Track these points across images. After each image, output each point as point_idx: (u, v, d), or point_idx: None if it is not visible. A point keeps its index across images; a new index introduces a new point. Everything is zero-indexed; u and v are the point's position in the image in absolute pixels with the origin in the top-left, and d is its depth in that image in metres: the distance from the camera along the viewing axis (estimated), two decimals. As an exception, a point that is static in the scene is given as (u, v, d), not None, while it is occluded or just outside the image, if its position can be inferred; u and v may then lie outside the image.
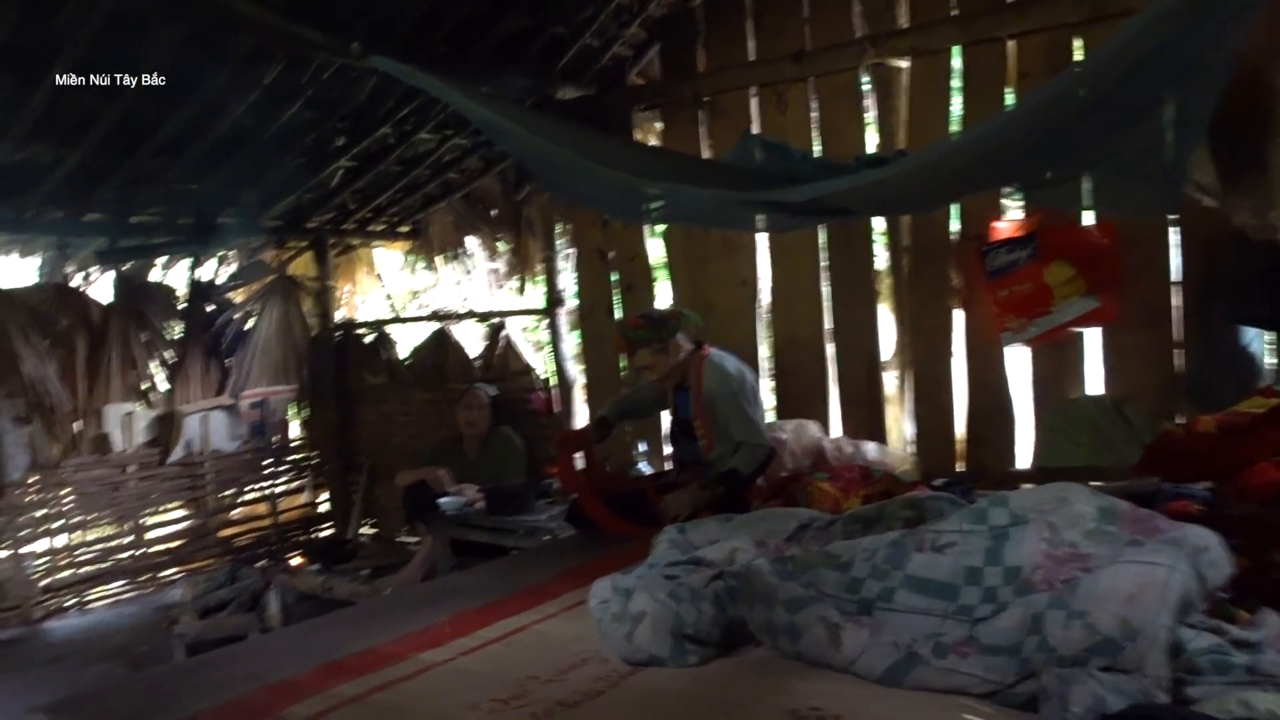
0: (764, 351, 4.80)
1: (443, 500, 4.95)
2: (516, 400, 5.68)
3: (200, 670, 2.41)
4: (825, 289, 4.63)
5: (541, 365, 5.92)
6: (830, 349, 4.64)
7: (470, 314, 6.16)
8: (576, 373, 5.60)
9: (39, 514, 5.21)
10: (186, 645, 4.18)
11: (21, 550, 5.06)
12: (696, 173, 3.43)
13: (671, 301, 5.08)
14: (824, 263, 4.61)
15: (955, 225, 4.29)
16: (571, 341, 5.59)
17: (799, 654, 2.11)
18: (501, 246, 6.80)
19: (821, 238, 4.59)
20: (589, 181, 3.45)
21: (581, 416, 5.52)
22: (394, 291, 7.86)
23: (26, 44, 3.70)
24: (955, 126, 4.20)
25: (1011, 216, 4.17)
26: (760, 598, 2.20)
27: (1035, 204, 3.93)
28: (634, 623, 2.26)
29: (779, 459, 3.94)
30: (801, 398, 4.69)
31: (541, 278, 5.97)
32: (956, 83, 4.22)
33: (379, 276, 7.21)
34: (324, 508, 6.72)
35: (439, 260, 6.96)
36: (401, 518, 6.33)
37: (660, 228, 5.18)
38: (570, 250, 5.58)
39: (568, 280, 5.58)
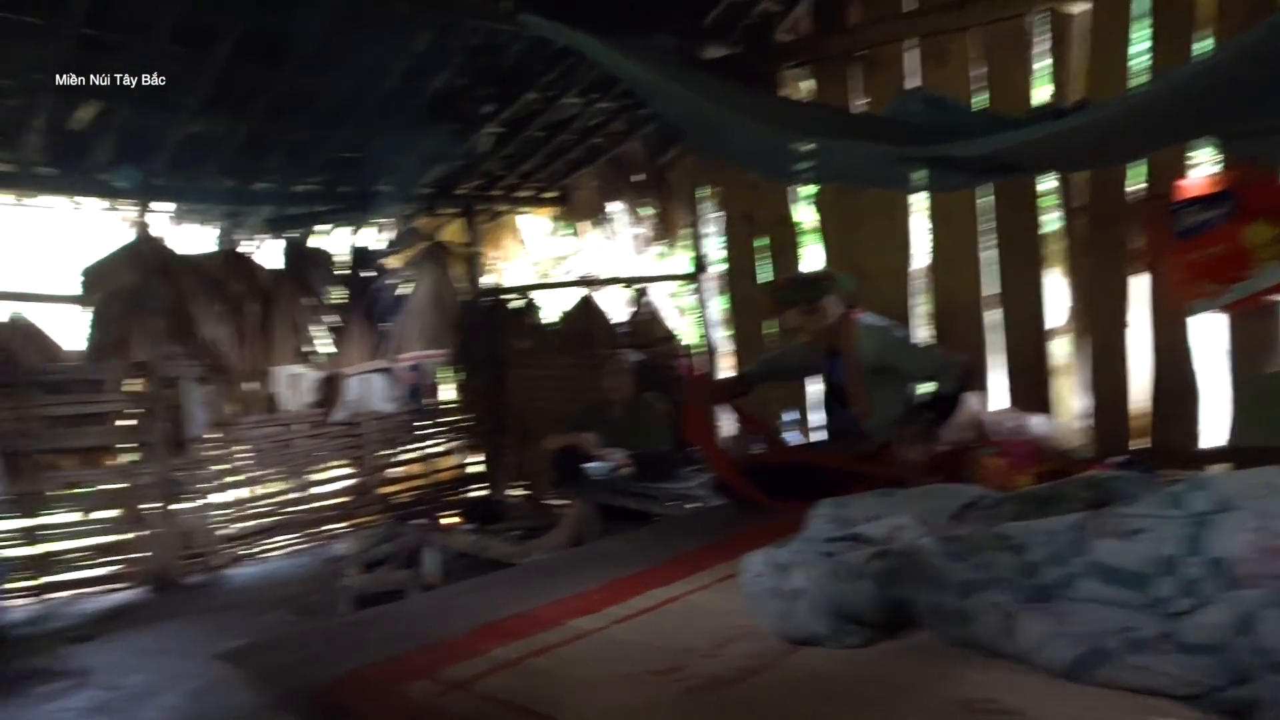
0: (918, 319, 4.58)
1: (590, 465, 5.00)
2: (661, 366, 5.65)
3: (364, 627, 2.50)
4: (987, 253, 4.37)
5: (686, 331, 5.87)
6: (991, 316, 4.40)
7: (615, 279, 6.16)
8: (721, 338, 5.52)
9: (218, 468, 5.56)
10: (352, 597, 4.38)
11: (204, 502, 5.42)
12: (852, 128, 3.26)
13: (822, 266, 4.92)
14: (987, 225, 4.35)
15: (1136, 183, 3.95)
16: (717, 307, 5.51)
17: (969, 641, 1.99)
18: (645, 211, 6.79)
19: (985, 199, 4.33)
20: (738, 139, 3.34)
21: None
22: (540, 258, 7.97)
23: (196, 21, 3.89)
24: (1137, 75, 3.86)
25: (1203, 171, 3.81)
26: (926, 580, 2.09)
27: (1235, 157, 3.56)
28: (792, 600, 2.19)
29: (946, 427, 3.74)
30: (960, 366, 4.47)
31: (686, 242, 5.91)
32: (1138, 31, 3.87)
33: (524, 242, 7.30)
34: (476, 469, 6.92)
35: (584, 226, 7.00)
36: (550, 481, 6.45)
37: (810, 190, 5.02)
38: (716, 214, 5.48)
39: (713, 245, 5.49)
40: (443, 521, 5.85)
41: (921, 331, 4.58)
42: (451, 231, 6.84)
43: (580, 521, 5.14)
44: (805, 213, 5.12)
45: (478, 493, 6.84)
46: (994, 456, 3.19)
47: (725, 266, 5.38)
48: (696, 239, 5.44)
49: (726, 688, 1.92)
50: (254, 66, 4.32)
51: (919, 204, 4.57)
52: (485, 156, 5.89)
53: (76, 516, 5.09)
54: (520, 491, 6.77)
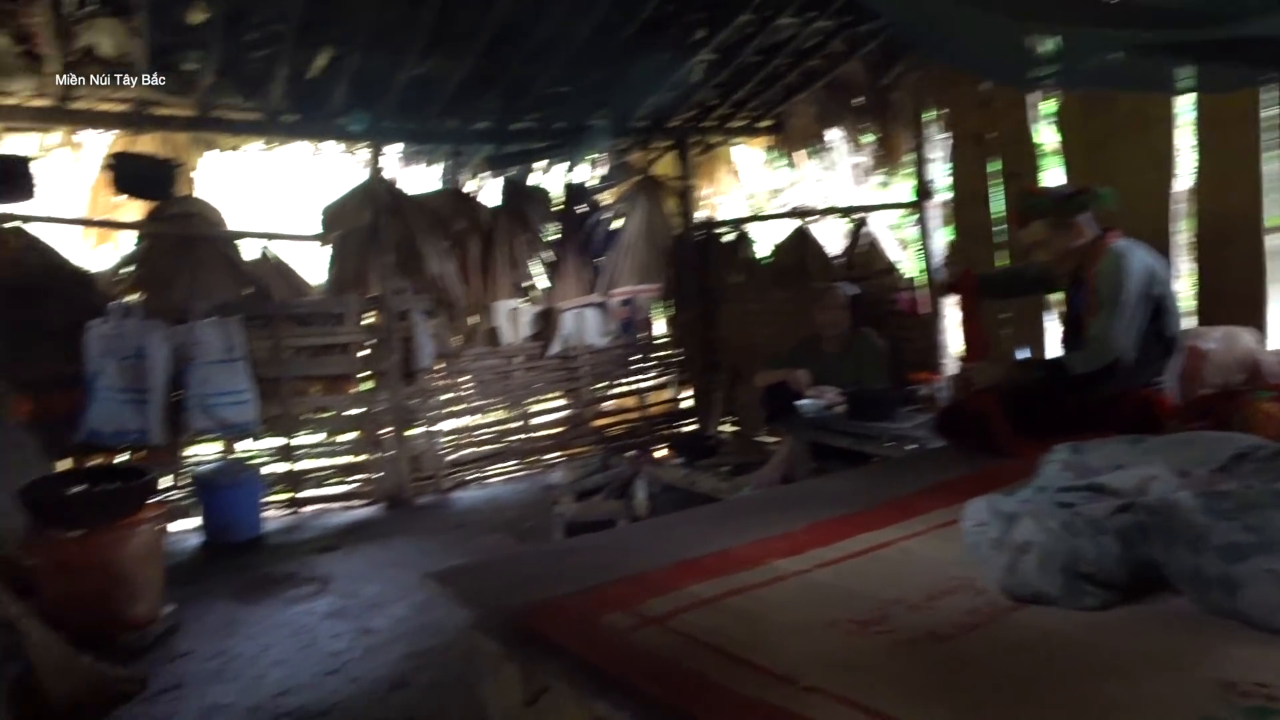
0: (1179, 248, 4.02)
1: (802, 402, 4.84)
2: (879, 300, 5.36)
3: (568, 555, 2.50)
4: (1270, 168, 3.76)
5: (907, 263, 5.53)
6: (1273, 241, 3.79)
7: (831, 210, 5.88)
8: (946, 271, 5.15)
9: (444, 397, 5.87)
10: (564, 524, 4.50)
11: (433, 429, 5.74)
12: (1106, 14, 2.78)
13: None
14: (1271, 134, 3.73)
15: None
16: (942, 237, 5.13)
17: (1235, 612, 1.70)
18: (866, 138, 6.42)
19: (1270, 104, 3.70)
20: (972, 41, 2.97)
21: (951, 318, 5.08)
22: (753, 190, 7.77)
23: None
24: None
25: None
26: (1183, 540, 1.80)
27: None
28: (1018, 553, 1.97)
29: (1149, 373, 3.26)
30: (1231, 300, 3.90)
31: (909, 169, 5.53)
32: None
33: (738, 174, 7.12)
34: (687, 404, 6.93)
35: (799, 155, 6.72)
36: (760, 417, 6.34)
37: (1051, 106, 4.52)
38: (943, 136, 5.07)
39: (939, 170, 5.09)
40: (654, 455, 5.90)
41: (1183, 262, 4.03)
42: (663, 165, 6.78)
43: (790, 459, 5.02)
44: (1045, 132, 4.62)
45: (688, 428, 6.85)
46: (1272, 401, 2.74)
47: (952, 193, 4.99)
48: (921, 164, 5.05)
49: (938, 643, 1.75)
50: (469, 5, 4.39)
51: (1185, 112, 3.99)
52: (697, 86, 5.75)
53: (321, 438, 5.56)
54: (730, 427, 6.72)
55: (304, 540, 4.76)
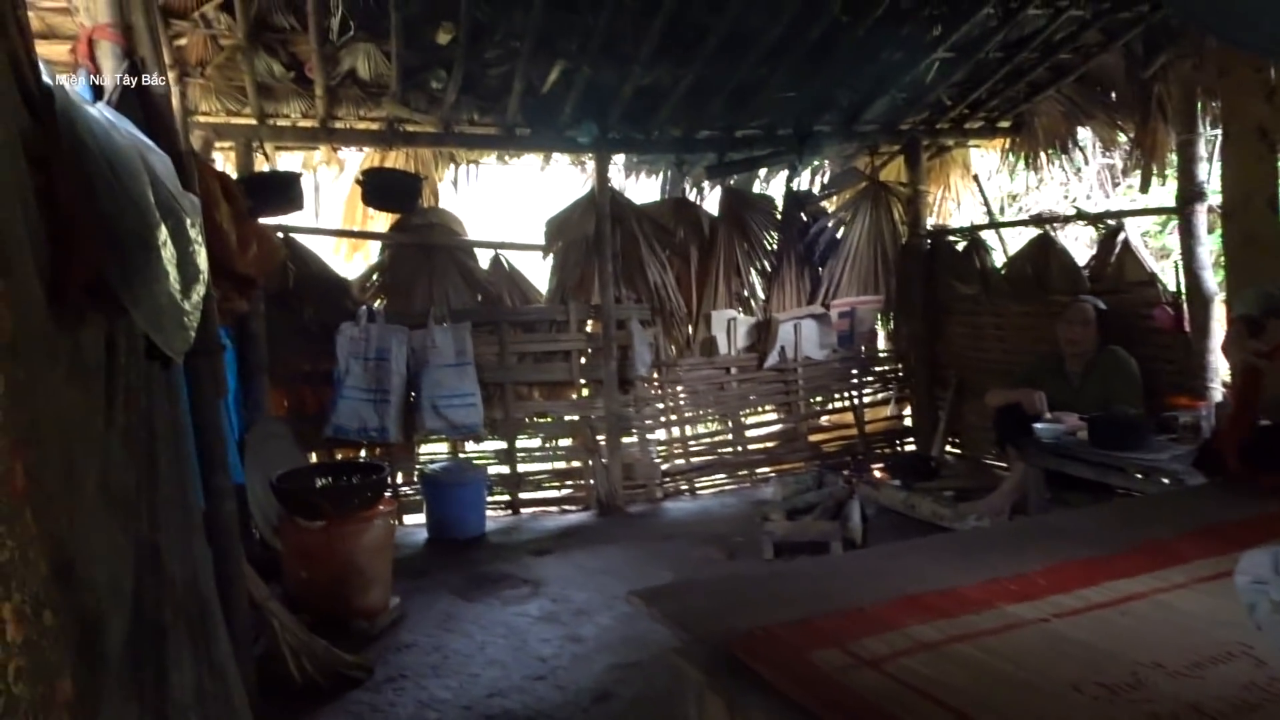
0: None
1: (1039, 426, 4.46)
2: (1132, 316, 4.85)
3: (780, 580, 2.38)
4: None
5: (1166, 275, 4.96)
6: None
7: (1079, 215, 5.40)
8: (1215, 284, 4.58)
9: (659, 406, 5.89)
10: (774, 543, 4.38)
11: (647, 437, 5.78)
12: None
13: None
14: None
15: None
16: (1210, 245, 4.56)
17: None
18: (1120, 137, 5.86)
19: None
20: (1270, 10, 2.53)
21: (1216, 336, 4.52)
22: (990, 195, 7.30)
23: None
24: None
25: None
26: None
27: None
28: (1313, 623, 1.67)
29: None
30: None
31: (1171, 170, 4.97)
32: None
33: (975, 179, 6.70)
34: (908, 422, 6.60)
35: (1043, 157, 6.23)
36: (990, 440, 5.92)
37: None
38: (1216, 132, 4.52)
39: (1208, 171, 4.53)
40: (871, 474, 5.65)
41: None
42: (893, 170, 6.50)
43: (1022, 487, 4.65)
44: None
45: (908, 447, 6.52)
46: None
47: (1225, 195, 4.41)
48: (1190, 163, 4.50)
49: (1207, 721, 1.50)
50: (699, 11, 4.37)
51: None
52: (932, 86, 5.45)
53: (539, 443, 5.74)
54: (954, 449, 6.32)
55: (521, 542, 4.91)
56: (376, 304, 5.37)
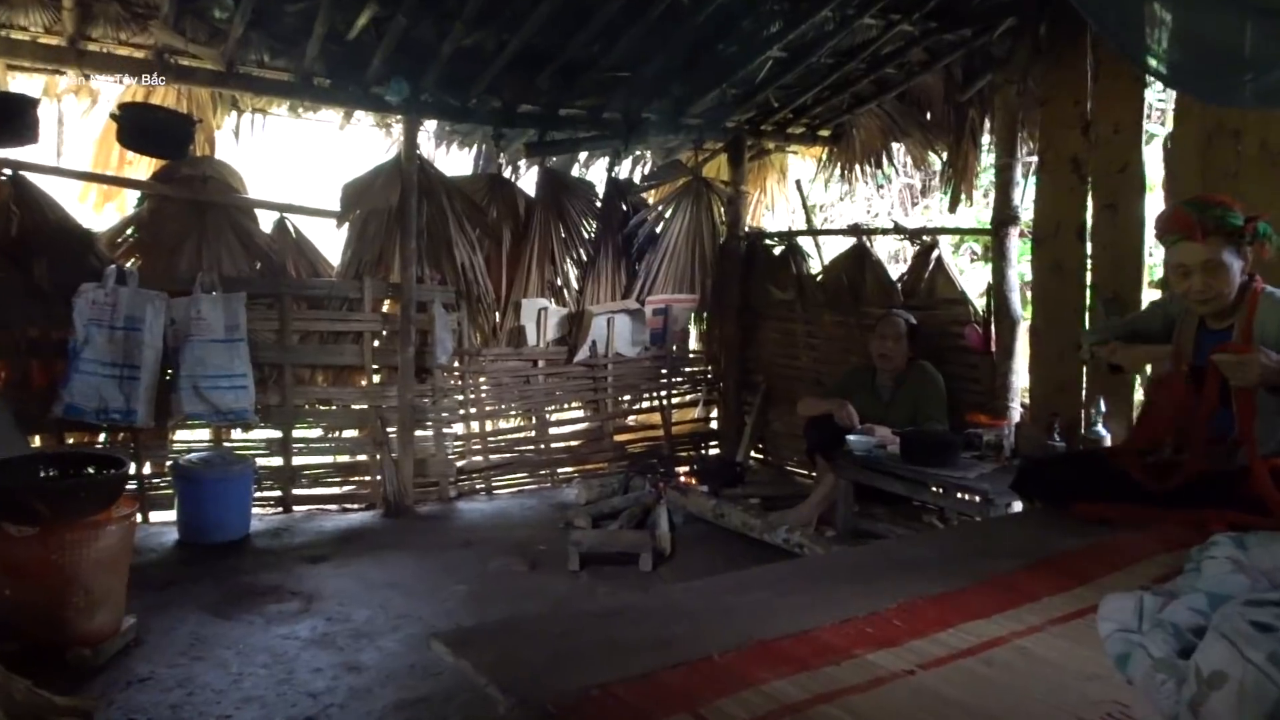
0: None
1: (851, 438, 4.39)
2: (942, 333, 4.91)
3: (616, 623, 2.05)
4: None
5: (975, 295, 5.07)
6: None
7: (897, 229, 5.41)
8: (1021, 307, 4.69)
9: (458, 398, 5.42)
10: (581, 554, 4.04)
11: (444, 431, 5.29)
12: None
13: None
14: None
15: None
16: (1017, 269, 4.66)
17: None
18: (932, 157, 5.98)
19: None
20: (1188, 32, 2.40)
21: (1022, 358, 4.63)
22: (805, 202, 7.34)
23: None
24: None
25: None
26: None
27: None
28: (1205, 686, 1.51)
29: None
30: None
31: (980, 193, 5.07)
32: None
33: (798, 185, 6.67)
34: (714, 425, 6.48)
35: (858, 170, 6.28)
36: (795, 448, 5.90)
37: (1161, 134, 4.06)
38: (1030, 160, 4.62)
39: (1022, 196, 4.62)
40: (678, 479, 5.45)
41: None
42: (712, 168, 6.35)
43: (831, 498, 4.58)
44: (1153, 162, 4.17)
45: (713, 451, 6.40)
46: None
47: (1037, 222, 4.52)
48: (1007, 187, 4.57)
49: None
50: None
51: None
52: (762, 85, 5.31)
53: (320, 433, 5.12)
54: (758, 455, 6.26)
55: (292, 546, 4.30)
56: (129, 264, 4.56)
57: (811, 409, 4.84)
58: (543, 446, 5.76)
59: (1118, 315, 3.77)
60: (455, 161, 5.83)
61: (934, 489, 4.00)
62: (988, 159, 5.48)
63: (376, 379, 5.13)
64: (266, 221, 5.03)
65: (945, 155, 5.67)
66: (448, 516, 4.99)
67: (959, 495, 3.96)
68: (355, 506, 5.05)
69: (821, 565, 2.49)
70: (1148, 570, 2.32)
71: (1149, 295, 4.13)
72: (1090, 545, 2.52)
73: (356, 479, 5.15)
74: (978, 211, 6.48)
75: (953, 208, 5.77)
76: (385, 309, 5.15)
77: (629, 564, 4.06)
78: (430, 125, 5.42)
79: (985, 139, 5.46)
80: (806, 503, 4.71)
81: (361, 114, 5.21)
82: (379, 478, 5.03)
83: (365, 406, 5.07)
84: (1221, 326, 2.84)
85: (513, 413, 5.71)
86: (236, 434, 4.95)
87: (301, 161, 6.90)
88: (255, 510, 4.57)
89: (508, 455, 5.64)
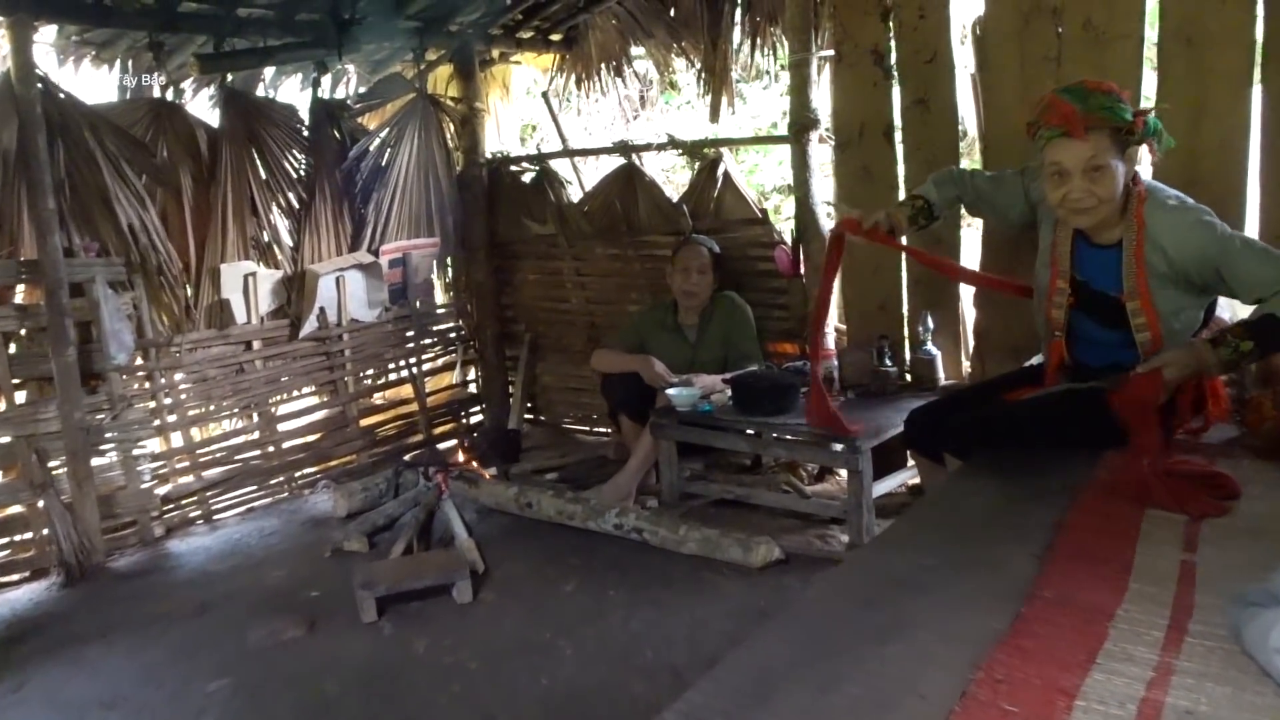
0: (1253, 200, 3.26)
1: (671, 392, 3.75)
2: (739, 257, 4.36)
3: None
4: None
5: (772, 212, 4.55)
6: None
7: (676, 143, 4.72)
8: (830, 222, 4.22)
9: (150, 406, 4.07)
10: (376, 601, 3.05)
11: (134, 453, 3.94)
12: None
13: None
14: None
15: None
16: (823, 179, 4.18)
17: None
18: (682, 59, 5.36)
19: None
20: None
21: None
22: (529, 118, 6.48)
23: None
24: None
25: None
26: None
27: None
28: None
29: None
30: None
31: (741, 100, 4.52)
32: None
33: (545, 98, 5.78)
34: (473, 389, 5.56)
35: (594, 78, 5.53)
36: (576, 403, 5.20)
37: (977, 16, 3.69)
38: (826, 53, 4.11)
39: (819, 97, 4.09)
40: (460, 463, 4.52)
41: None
42: (437, 83, 5.29)
43: (649, 463, 3.94)
44: (964, 50, 3.80)
45: (478, 419, 5.50)
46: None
47: (838, 124, 4.03)
48: (803, 86, 4.00)
49: None
50: None
51: (1147, 30, 3.28)
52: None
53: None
54: (529, 416, 5.47)
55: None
56: None
57: (611, 365, 4.15)
58: (273, 449, 4.54)
59: None
60: (92, 85, 4.30)
61: (787, 440, 3.47)
62: (757, 59, 4.92)
63: (20, 398, 3.66)
64: None
65: (700, 59, 5.07)
66: (160, 567, 3.70)
67: (808, 448, 3.46)
68: (15, 578, 3.62)
69: (815, 613, 1.77)
70: (1166, 532, 1.91)
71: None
72: (1076, 512, 2.05)
73: (11, 541, 3.69)
74: (739, 121, 5.97)
75: (714, 117, 5.19)
76: (20, 299, 3.67)
77: (439, 594, 3.15)
78: (50, 31, 3.88)
79: (736, 36, 4.93)
80: (622, 473, 4.03)
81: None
82: (45, 533, 3.62)
83: (8, 438, 3.60)
84: (1107, 243, 2.46)
85: (227, 412, 4.42)
86: None
87: None
88: None
89: (228, 468, 4.37)
